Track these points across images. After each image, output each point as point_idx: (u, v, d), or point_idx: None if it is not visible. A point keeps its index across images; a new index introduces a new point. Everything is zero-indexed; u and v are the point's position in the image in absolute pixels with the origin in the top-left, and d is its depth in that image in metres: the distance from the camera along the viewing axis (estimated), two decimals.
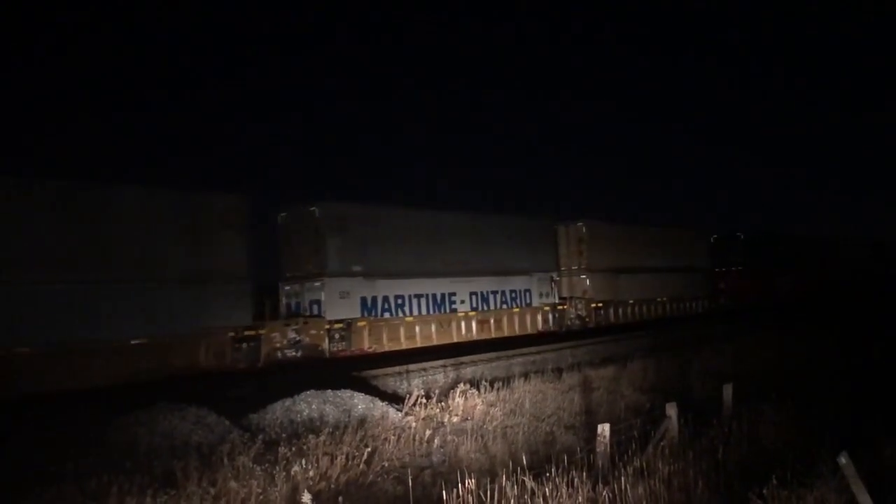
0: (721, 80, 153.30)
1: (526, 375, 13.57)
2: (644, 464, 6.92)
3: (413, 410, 10.49)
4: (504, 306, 21.65)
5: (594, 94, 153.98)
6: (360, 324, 17.28)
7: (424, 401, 10.68)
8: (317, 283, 17.13)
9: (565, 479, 6.12)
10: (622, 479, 6.29)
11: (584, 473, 6.43)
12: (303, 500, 5.71)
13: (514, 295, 22.14)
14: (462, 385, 11.77)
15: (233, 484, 6.53)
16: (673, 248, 30.29)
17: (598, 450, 7.08)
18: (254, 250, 15.97)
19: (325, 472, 7.29)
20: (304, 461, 7.31)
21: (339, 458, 7.58)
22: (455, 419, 10.08)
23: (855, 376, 12.48)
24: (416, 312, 18.88)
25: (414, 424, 9.61)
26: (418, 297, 19.16)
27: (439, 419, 10.07)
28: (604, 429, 7.20)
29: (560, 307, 23.36)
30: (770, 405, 9.42)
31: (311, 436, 8.44)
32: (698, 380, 13.35)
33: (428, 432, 9.12)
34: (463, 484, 5.80)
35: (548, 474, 6.24)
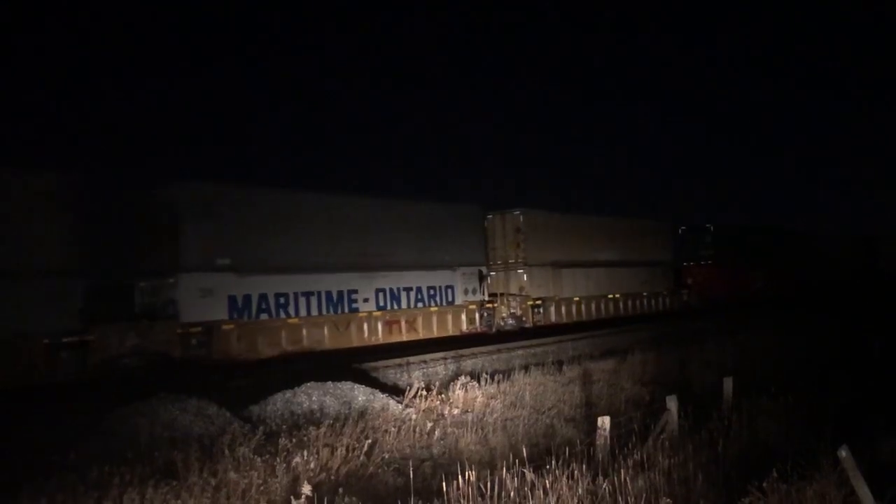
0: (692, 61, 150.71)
1: (526, 368, 13.58)
2: (644, 456, 6.93)
3: (413, 402, 10.51)
4: (420, 305, 19.32)
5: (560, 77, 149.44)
6: (227, 327, 14.91)
7: (425, 393, 10.70)
8: (171, 280, 14.64)
9: (565, 472, 6.13)
10: (622, 471, 6.30)
11: (585, 466, 6.45)
12: (303, 492, 5.73)
13: (432, 292, 19.75)
14: (462, 377, 11.79)
15: (233, 475, 6.54)
16: (627, 240, 28.03)
17: (598, 442, 7.10)
18: (93, 240, 13.38)
19: (326, 463, 7.31)
20: (304, 452, 7.32)
21: (339, 450, 7.59)
22: (455, 411, 10.10)
23: (855, 370, 12.49)
24: (303, 313, 16.52)
25: (414, 416, 9.62)
26: (307, 295, 16.67)
27: (440, 411, 10.09)
28: (604, 421, 7.22)
29: (489, 305, 21.19)
30: (770, 398, 9.43)
31: (311, 427, 8.45)
32: (698, 373, 13.38)
33: (428, 424, 9.13)
34: (463, 476, 5.81)
35: (548, 466, 6.25)
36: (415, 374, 14.31)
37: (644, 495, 6.07)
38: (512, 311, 21.93)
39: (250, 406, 10.36)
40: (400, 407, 10.43)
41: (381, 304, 18.50)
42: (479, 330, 20.49)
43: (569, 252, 24.80)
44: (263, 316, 15.79)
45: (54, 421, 9.13)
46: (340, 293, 17.52)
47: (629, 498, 5.96)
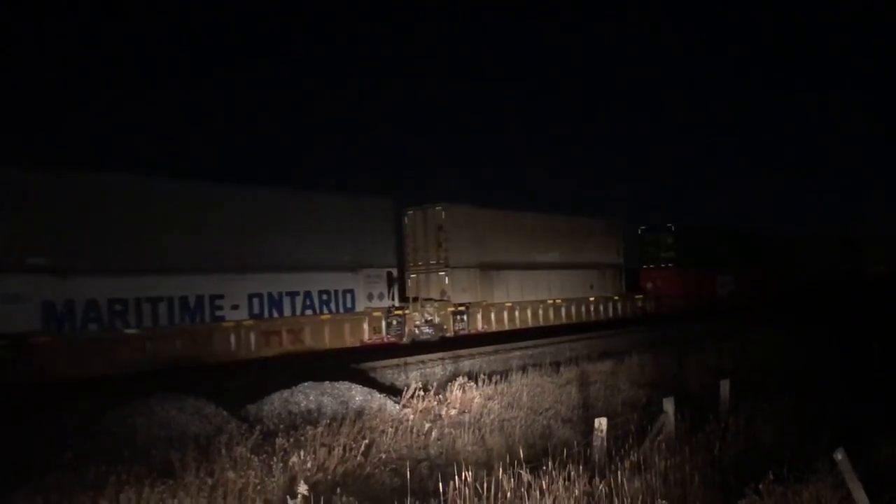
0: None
1: (524, 369, 13.60)
2: (641, 458, 6.94)
3: (411, 403, 10.51)
4: (308, 312, 16.73)
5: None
6: (40, 340, 12.52)
7: (422, 393, 10.70)
8: None
9: (562, 473, 6.14)
10: (619, 473, 6.31)
11: (581, 467, 6.45)
12: (300, 491, 5.72)
13: (325, 297, 17.13)
14: (460, 378, 11.80)
15: (230, 474, 6.55)
16: (572, 241, 25.64)
17: (594, 444, 7.10)
18: None
19: (323, 463, 7.31)
20: (301, 452, 7.33)
21: (336, 450, 7.60)
22: (452, 412, 10.10)
23: (852, 374, 12.52)
24: (147, 323, 13.88)
25: (411, 417, 9.63)
26: (153, 301, 14.00)
27: (437, 412, 10.09)
28: (601, 423, 7.22)
29: (398, 312, 18.57)
30: (767, 401, 9.45)
31: (308, 427, 8.46)
32: (696, 375, 13.39)
33: (425, 425, 9.14)
34: (460, 476, 5.81)
35: (544, 467, 6.26)
36: (412, 375, 14.31)
37: (640, 497, 6.08)
38: (428, 318, 19.27)
39: (247, 405, 10.36)
40: (397, 407, 10.43)
41: (256, 311, 15.81)
42: (385, 340, 18.09)
43: (501, 252, 22.37)
44: (93, 327, 13.25)
45: (51, 420, 9.12)
46: (200, 299, 14.79)
47: (625, 499, 5.97)
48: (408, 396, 10.72)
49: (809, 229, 59.73)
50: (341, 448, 7.69)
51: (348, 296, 17.75)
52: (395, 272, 19.24)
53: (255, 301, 15.87)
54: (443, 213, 20.66)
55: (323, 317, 17.06)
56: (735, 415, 8.81)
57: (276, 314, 16.23)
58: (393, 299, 18.92)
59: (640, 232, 30.53)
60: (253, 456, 7.20)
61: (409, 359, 15.78)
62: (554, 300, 23.99)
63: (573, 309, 24.74)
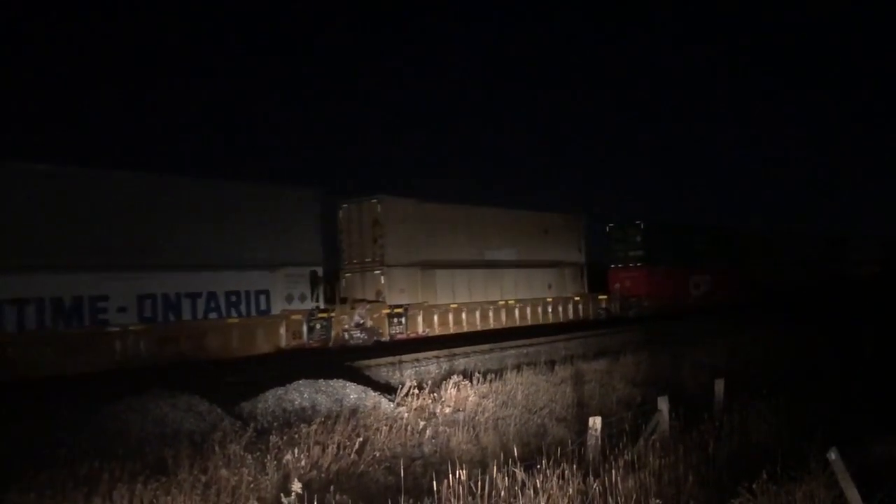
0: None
1: (519, 367, 13.59)
2: (635, 457, 6.94)
3: (405, 401, 10.50)
4: (213, 315, 15.01)
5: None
6: None
7: (417, 391, 10.69)
8: None
9: (556, 471, 6.13)
10: (613, 471, 6.31)
11: (575, 466, 6.45)
12: (294, 489, 5.71)
13: (234, 299, 15.42)
14: (455, 376, 11.79)
15: (224, 472, 6.53)
16: (527, 237, 23.81)
17: (589, 442, 7.11)
18: None
19: (317, 461, 7.30)
20: (295, 450, 7.32)
21: (330, 448, 7.59)
22: (447, 410, 10.10)
23: (846, 373, 12.56)
24: (10, 328, 12.38)
25: (406, 415, 9.62)
26: (20, 303, 12.33)
27: (431, 410, 10.09)
28: (595, 421, 7.23)
29: (322, 315, 16.90)
30: (761, 400, 9.47)
31: (302, 425, 8.44)
32: (690, 374, 13.43)
33: (420, 423, 9.14)
34: (454, 474, 5.81)
35: (539, 466, 6.26)
36: (407, 373, 14.30)
37: (634, 496, 6.08)
38: (359, 321, 17.68)
39: (242, 403, 10.34)
40: (392, 405, 10.43)
41: (148, 314, 13.98)
42: (308, 344, 16.44)
43: (447, 250, 20.68)
44: None
45: (44, 416, 9.08)
46: (78, 300, 12.92)
47: (619, 498, 5.97)
48: (402, 394, 10.72)
49: (793, 227, 57.71)
50: (335, 446, 7.69)
51: (262, 297, 16.02)
52: (320, 271, 17.47)
53: (147, 303, 14.09)
54: (378, 207, 18.95)
55: (230, 320, 15.14)
56: (729, 413, 8.83)
57: (172, 318, 14.37)
58: (317, 301, 17.24)
59: (608, 229, 28.82)
60: (247, 453, 7.19)
61: (404, 357, 15.77)
62: (506, 301, 22.15)
63: (528, 311, 22.81)
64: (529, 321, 22.62)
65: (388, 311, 18.50)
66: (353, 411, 9.71)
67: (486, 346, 18.28)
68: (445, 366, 15.50)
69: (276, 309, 16.30)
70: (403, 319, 18.76)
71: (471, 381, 11.60)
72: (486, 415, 9.82)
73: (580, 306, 25.21)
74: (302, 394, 10.63)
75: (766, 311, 26.84)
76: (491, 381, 11.82)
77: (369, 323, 18.00)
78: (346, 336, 17.41)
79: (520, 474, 6.04)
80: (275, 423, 9.07)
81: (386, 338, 18.31)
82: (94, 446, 7.61)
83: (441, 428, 9.05)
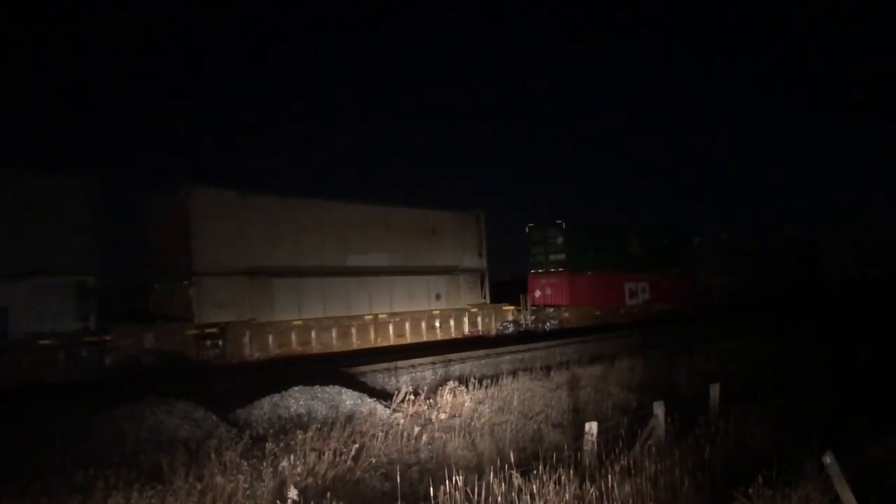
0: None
1: (514, 373, 13.60)
2: (631, 462, 6.95)
3: (401, 407, 10.50)
4: None
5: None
6: None
7: (413, 397, 10.70)
8: None
9: (552, 477, 6.14)
10: (609, 476, 6.32)
11: (572, 471, 6.45)
12: (290, 496, 5.71)
13: None
14: (451, 382, 11.79)
15: (220, 479, 6.51)
16: (408, 239, 20.41)
17: (585, 448, 7.11)
18: None
19: (313, 467, 7.28)
20: (291, 457, 7.31)
21: (326, 454, 7.57)
22: (443, 416, 10.09)
23: (839, 377, 12.60)
24: None
25: (402, 421, 9.61)
26: None
27: (427, 416, 10.08)
28: (591, 427, 7.23)
29: (92, 339, 13.49)
30: (756, 405, 9.50)
31: (298, 431, 8.44)
32: (686, 379, 13.45)
33: (416, 429, 9.12)
34: (450, 480, 5.81)
35: (535, 471, 6.26)
36: (403, 379, 14.28)
37: (631, 501, 6.10)
38: (150, 345, 14.24)
39: (237, 410, 10.31)
40: (388, 411, 10.41)
41: None
42: (74, 374, 13.21)
43: (289, 254, 17.28)
44: None
45: (39, 424, 9.04)
46: None
47: (616, 503, 5.99)
48: (398, 400, 10.71)
49: (760, 230, 53.97)
50: (331, 452, 7.67)
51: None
52: (91, 282, 14.05)
53: None
54: (187, 203, 15.53)
55: None
56: (725, 418, 8.84)
57: None
58: (87, 320, 13.80)
59: (528, 230, 25.70)
60: (242, 460, 7.17)
61: (400, 363, 15.74)
62: (376, 316, 18.63)
63: (407, 326, 19.28)
64: (409, 339, 19.23)
65: (195, 331, 15.10)
66: (349, 418, 9.70)
67: (481, 352, 18.26)
68: (441, 371, 15.48)
69: (19, 332, 12.79)
70: (221, 341, 15.36)
71: (466, 386, 11.61)
72: (483, 420, 9.81)
73: (479, 319, 21.68)
74: (297, 400, 10.60)
75: (759, 316, 25.81)
76: (487, 386, 11.81)
77: (166, 347, 14.60)
78: (131, 363, 14.08)
79: (516, 480, 6.04)
80: (270, 430, 9.04)
81: (196, 364, 14.99)
82: (90, 454, 7.58)
83: (437, 434, 9.04)
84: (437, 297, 21.11)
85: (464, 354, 17.63)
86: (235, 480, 6.50)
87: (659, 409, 8.28)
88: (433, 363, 16.19)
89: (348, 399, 10.91)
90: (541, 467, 6.32)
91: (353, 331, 18.07)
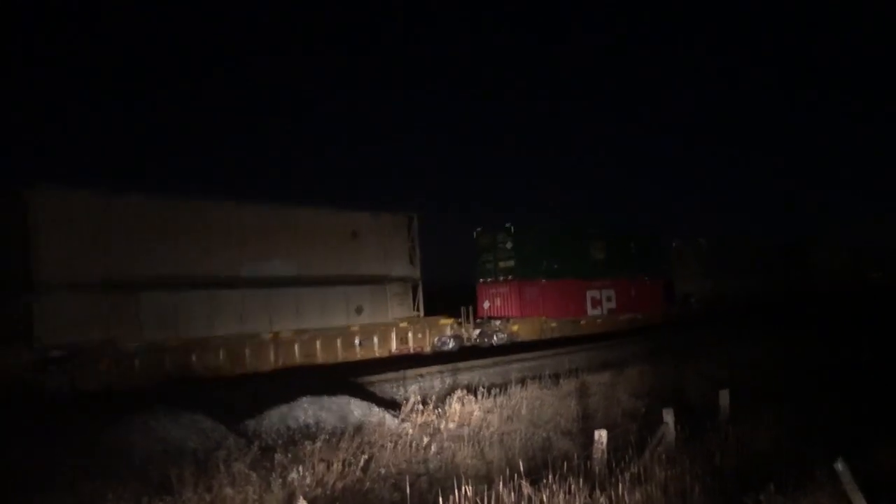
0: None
1: (523, 381, 13.55)
2: (641, 469, 6.92)
3: (410, 417, 10.48)
4: None
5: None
6: None
7: (421, 407, 10.67)
8: None
9: (562, 486, 6.12)
10: (619, 484, 6.29)
11: (581, 479, 6.43)
12: None
13: None
14: (459, 391, 11.77)
15: (229, 490, 6.52)
16: (318, 244, 18.03)
17: (594, 455, 7.09)
18: None
19: (322, 478, 7.27)
20: (300, 468, 7.30)
21: (335, 465, 7.56)
22: (452, 425, 10.06)
23: (850, 383, 12.51)
24: None
25: (411, 431, 9.59)
26: None
27: (436, 425, 10.05)
28: (601, 434, 7.21)
29: None
30: (766, 410, 9.44)
31: (307, 442, 8.43)
32: (695, 385, 13.37)
33: (425, 439, 9.11)
34: (459, 490, 5.79)
35: (545, 480, 6.24)
36: (411, 388, 14.26)
37: None
38: None
39: (246, 420, 10.30)
40: (396, 421, 10.39)
41: None
42: None
43: (164, 263, 14.96)
44: None
45: (47, 436, 9.06)
46: None
47: None
48: (407, 410, 10.70)
49: (744, 234, 51.62)
50: (340, 463, 7.66)
51: None
52: None
53: None
54: (29, 203, 13.44)
55: None
56: (735, 424, 8.80)
57: None
58: None
59: (475, 235, 23.60)
60: (251, 471, 7.17)
61: (408, 372, 15.74)
62: (276, 334, 16.39)
63: (318, 344, 17.10)
64: (320, 359, 17.12)
65: (35, 355, 13.02)
66: (358, 428, 9.68)
67: (489, 360, 18.23)
68: (449, 380, 15.45)
69: None
70: (69, 366, 13.14)
71: (475, 395, 11.58)
72: (491, 429, 9.78)
73: (410, 335, 19.43)
74: (306, 411, 10.59)
75: (765, 320, 24.81)
76: (495, 395, 11.78)
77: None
78: None
79: (526, 489, 6.02)
80: (279, 441, 9.03)
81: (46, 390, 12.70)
82: (97, 466, 7.58)
83: (446, 443, 9.02)
84: (359, 310, 18.92)
85: (472, 363, 17.61)
86: (244, 492, 6.51)
87: (668, 415, 8.25)
88: (441, 372, 16.18)
89: (357, 409, 10.89)
90: (550, 476, 6.29)
91: (247, 351, 15.81)
